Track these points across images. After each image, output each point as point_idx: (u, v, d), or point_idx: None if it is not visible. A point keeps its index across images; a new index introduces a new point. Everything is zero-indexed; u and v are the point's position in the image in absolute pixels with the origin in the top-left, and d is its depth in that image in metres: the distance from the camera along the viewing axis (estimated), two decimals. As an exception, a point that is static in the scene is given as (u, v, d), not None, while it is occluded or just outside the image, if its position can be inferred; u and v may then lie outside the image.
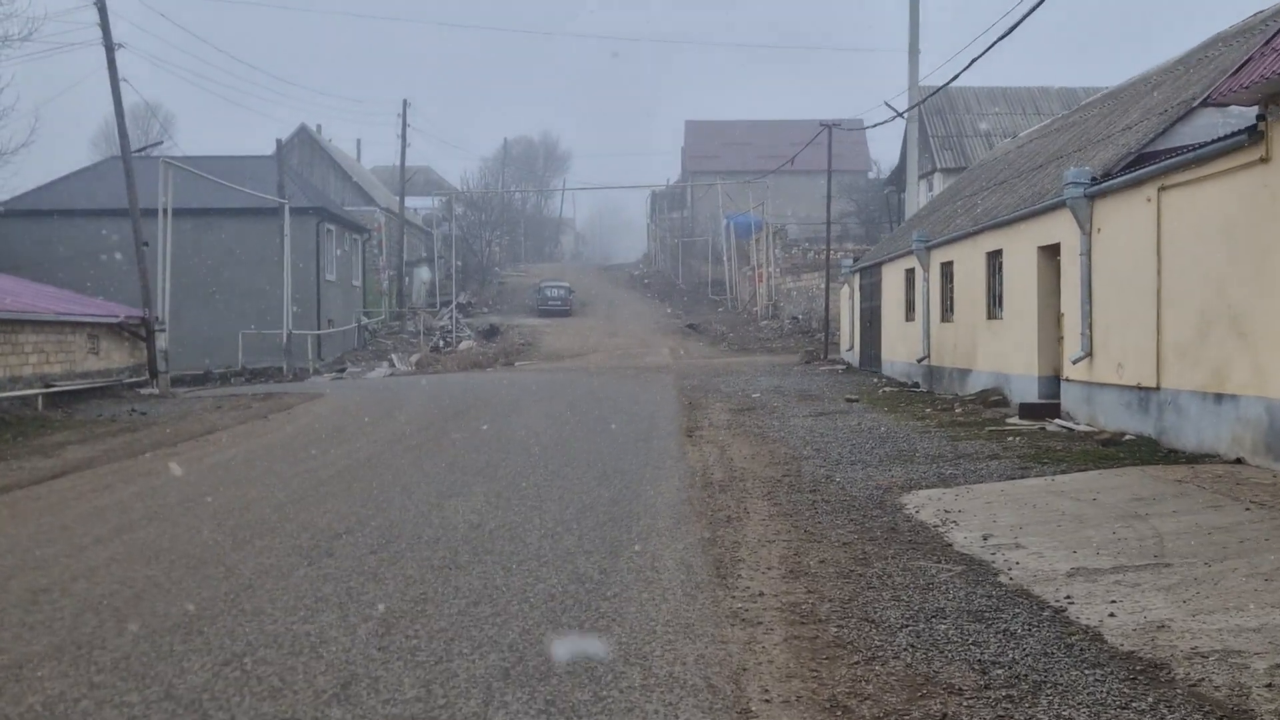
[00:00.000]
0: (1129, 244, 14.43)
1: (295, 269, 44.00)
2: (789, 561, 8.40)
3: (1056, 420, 16.19)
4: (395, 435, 17.86)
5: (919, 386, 24.61)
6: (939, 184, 41.24)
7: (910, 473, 12.63)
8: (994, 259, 20.17)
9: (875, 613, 6.90)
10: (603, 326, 54.49)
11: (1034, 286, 17.84)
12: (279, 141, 44.43)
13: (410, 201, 72.71)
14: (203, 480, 13.19)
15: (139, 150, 30.77)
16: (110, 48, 27.83)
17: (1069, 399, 16.42)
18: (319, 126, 68.32)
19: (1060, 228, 16.64)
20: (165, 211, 31.42)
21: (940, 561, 8.36)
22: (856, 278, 32.69)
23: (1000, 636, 6.35)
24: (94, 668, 6.03)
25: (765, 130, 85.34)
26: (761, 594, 7.43)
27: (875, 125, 40.93)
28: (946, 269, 23.25)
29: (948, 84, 28.65)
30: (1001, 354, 19.58)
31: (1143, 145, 15.58)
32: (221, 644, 6.39)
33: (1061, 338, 17.11)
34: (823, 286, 50.06)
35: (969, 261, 21.38)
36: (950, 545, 8.91)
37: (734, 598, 7.34)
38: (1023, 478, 11.94)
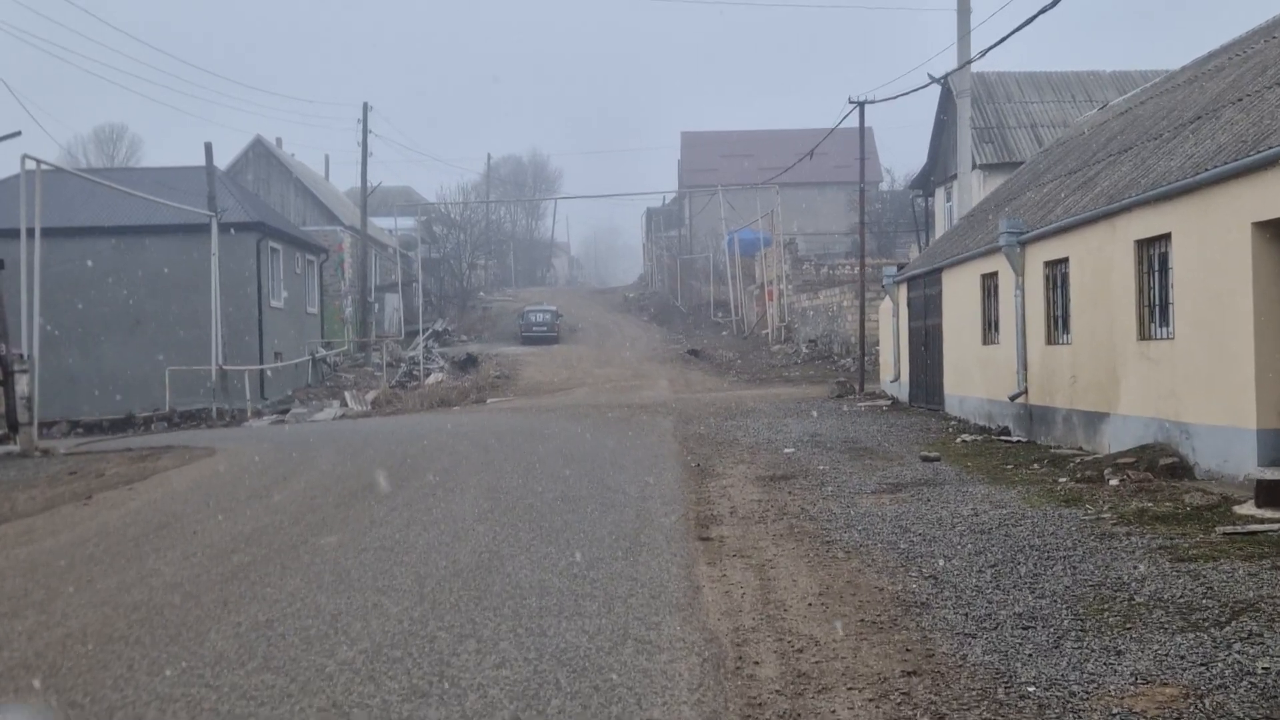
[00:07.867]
0: None
1: (233, 294, 37.52)
2: None
3: (1335, 512, 9.57)
4: (242, 537, 11.28)
5: (1011, 434, 17.99)
6: (977, 182, 34.70)
7: (1165, 659, 6.04)
8: (1149, 250, 13.59)
9: None
10: (592, 354, 47.93)
11: (1245, 286, 11.24)
12: (208, 146, 37.75)
13: (387, 222, 66.21)
14: None
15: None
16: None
17: (1346, 473, 9.81)
18: (279, 140, 61.88)
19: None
20: (33, 229, 24.81)
21: None
22: (903, 290, 25.99)
23: None
24: None
25: (766, 140, 78.98)
26: None
27: (914, 91, 34.74)
28: (1055, 270, 16.66)
29: (1011, 33, 22.11)
30: (1170, 391, 12.97)
31: None
32: None
33: (1308, 368, 10.53)
34: (844, 304, 43.52)
35: (1099, 256, 14.78)
36: None
37: None
38: None
